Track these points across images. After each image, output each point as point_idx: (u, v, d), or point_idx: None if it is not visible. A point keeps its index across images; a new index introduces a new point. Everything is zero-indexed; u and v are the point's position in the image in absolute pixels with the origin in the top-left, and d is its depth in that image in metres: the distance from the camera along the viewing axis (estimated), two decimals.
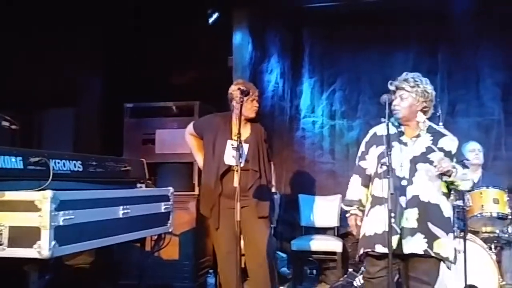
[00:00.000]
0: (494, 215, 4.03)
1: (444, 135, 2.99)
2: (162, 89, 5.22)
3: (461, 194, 4.00)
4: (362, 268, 4.05)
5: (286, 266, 5.25)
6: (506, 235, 4.25)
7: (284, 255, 5.28)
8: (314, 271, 5.25)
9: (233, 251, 3.28)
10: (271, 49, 5.93)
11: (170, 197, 3.55)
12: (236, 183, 3.09)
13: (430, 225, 2.83)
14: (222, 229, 3.49)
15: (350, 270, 4.66)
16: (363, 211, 3.06)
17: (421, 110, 2.94)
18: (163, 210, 3.46)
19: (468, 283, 3.70)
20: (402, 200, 2.84)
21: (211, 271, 4.81)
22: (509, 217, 4.05)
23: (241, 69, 5.50)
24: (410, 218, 2.81)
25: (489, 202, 4.05)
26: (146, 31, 5.41)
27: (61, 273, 3.25)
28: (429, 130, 2.98)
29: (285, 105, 5.88)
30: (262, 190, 3.54)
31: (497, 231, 4.22)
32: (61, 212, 2.46)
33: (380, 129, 3.05)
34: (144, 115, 4.86)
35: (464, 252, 3.71)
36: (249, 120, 3.63)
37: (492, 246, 4.14)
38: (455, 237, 2.97)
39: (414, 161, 2.87)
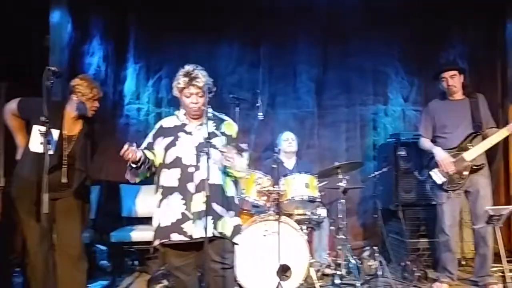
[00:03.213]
0: (305, 198, 4.31)
1: (224, 120, 3.18)
2: None
3: (276, 180, 4.23)
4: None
5: (106, 259, 5.01)
6: (316, 217, 4.60)
7: (104, 247, 5.03)
8: (136, 262, 5.10)
9: (43, 244, 3.24)
10: (93, 31, 5.58)
11: None
12: (64, 179, 3.33)
13: (214, 205, 2.91)
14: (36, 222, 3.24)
15: None
16: None
17: None
18: None
19: (281, 262, 3.90)
20: (191, 187, 2.91)
21: (18, 269, 4.35)
22: (318, 199, 4.38)
23: (59, 50, 5.09)
24: (199, 202, 2.86)
25: (301, 186, 4.32)
26: None
27: None
28: (212, 117, 3.10)
29: (107, 90, 5.52)
30: (86, 192, 3.58)
31: (308, 213, 4.52)
32: None
33: (166, 122, 3.14)
34: None
35: (278, 233, 3.90)
36: (82, 117, 3.49)
37: (304, 227, 4.43)
38: (236, 215, 3.07)
39: (199, 147, 2.92)
